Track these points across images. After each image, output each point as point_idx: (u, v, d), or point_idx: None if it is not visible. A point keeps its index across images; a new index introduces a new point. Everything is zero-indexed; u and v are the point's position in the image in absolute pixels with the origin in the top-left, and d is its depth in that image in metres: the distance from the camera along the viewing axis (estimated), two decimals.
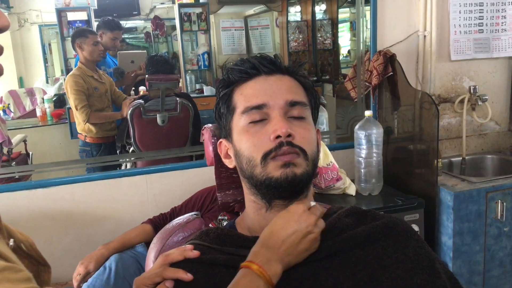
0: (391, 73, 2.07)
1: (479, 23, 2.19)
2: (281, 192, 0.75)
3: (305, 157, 0.76)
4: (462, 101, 2.21)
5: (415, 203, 1.88)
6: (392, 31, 2.16)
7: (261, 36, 4.10)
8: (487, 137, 2.35)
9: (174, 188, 2.04)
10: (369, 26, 2.16)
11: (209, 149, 0.93)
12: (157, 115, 2.67)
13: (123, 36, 3.17)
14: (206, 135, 0.96)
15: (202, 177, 1.99)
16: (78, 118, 2.53)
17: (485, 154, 2.31)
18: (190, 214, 0.98)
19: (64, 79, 2.68)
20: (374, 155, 1.96)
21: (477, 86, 2.18)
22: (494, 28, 2.21)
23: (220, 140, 0.86)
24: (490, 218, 1.88)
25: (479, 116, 2.24)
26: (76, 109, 2.50)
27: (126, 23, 3.82)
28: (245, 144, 0.77)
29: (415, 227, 1.88)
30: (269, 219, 0.79)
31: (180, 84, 3.61)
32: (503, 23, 2.21)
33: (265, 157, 0.75)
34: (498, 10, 2.19)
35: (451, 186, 1.91)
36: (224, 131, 0.85)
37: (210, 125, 0.99)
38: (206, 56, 3.84)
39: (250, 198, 0.82)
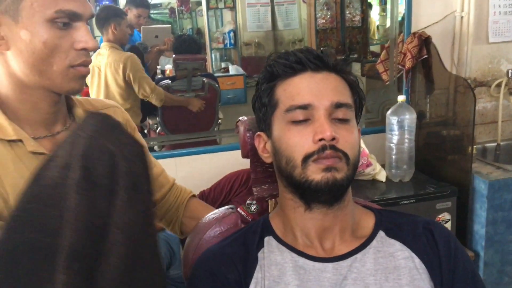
0: (426, 56, 2.00)
1: None
2: (320, 195, 0.74)
3: (347, 161, 0.74)
4: (499, 85, 2.13)
5: (447, 191, 1.84)
6: (427, 11, 2.08)
7: (287, 12, 4.01)
8: None
9: (203, 172, 2.05)
10: (403, 5, 2.09)
11: (245, 143, 0.92)
12: (184, 95, 2.67)
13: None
14: (241, 128, 0.95)
15: (230, 161, 1.99)
16: (154, 99, 2.44)
17: None
18: (226, 208, 0.98)
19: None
20: (406, 141, 1.92)
21: None
22: None
23: (258, 133, 0.84)
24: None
25: None
26: (152, 90, 2.42)
27: (152, 0, 3.79)
28: (286, 143, 0.75)
29: (447, 216, 1.85)
30: (308, 218, 0.78)
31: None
32: None
33: (307, 159, 0.73)
34: None
35: (486, 174, 1.86)
36: (263, 124, 0.82)
37: (245, 117, 0.97)
38: (232, 34, 3.79)
39: (286, 196, 0.81)
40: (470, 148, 1.90)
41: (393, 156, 1.94)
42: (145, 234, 0.63)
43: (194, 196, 1.16)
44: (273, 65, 0.79)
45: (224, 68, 3.83)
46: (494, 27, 2.09)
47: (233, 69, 3.71)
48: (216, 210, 0.99)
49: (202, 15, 3.74)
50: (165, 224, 1.11)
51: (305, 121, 0.74)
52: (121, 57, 2.38)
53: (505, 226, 1.84)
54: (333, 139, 0.72)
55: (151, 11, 3.67)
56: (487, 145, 2.20)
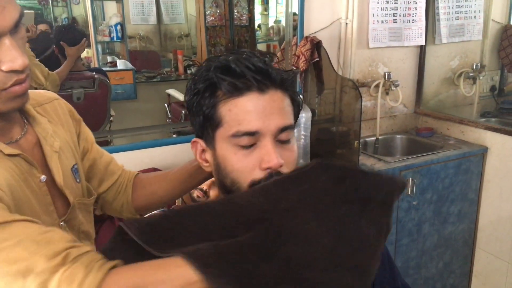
0: (317, 59, 2.17)
1: (393, 13, 2.37)
2: None
3: None
4: (377, 86, 2.39)
5: None
6: (317, 17, 2.25)
7: (173, 7, 3.96)
8: (396, 119, 2.59)
9: None
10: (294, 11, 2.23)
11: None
12: (72, 91, 2.51)
13: None
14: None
15: (126, 163, 1.93)
16: (50, 86, 2.24)
17: (395, 134, 2.55)
18: (158, 211, 0.98)
19: None
20: (302, 137, 2.07)
21: (390, 72, 2.37)
22: (406, 19, 2.40)
23: (196, 139, 0.81)
24: (402, 193, 2.10)
25: (391, 100, 2.45)
26: (46, 77, 2.24)
27: None
28: (232, 166, 0.74)
29: None
30: None
31: (88, 54, 3.40)
32: (414, 14, 2.41)
33: (253, 185, 0.72)
34: (410, 2, 2.38)
35: (370, 165, 2.09)
36: (200, 132, 0.79)
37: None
38: (119, 27, 3.63)
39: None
40: (356, 143, 2.12)
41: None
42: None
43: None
44: (216, 81, 0.73)
45: (110, 62, 3.65)
46: (373, 34, 2.35)
47: (121, 64, 3.55)
48: (150, 214, 0.99)
49: (78, 3, 3.51)
50: (117, 207, 1.07)
51: (251, 145, 0.73)
52: None
53: None
54: (280, 165, 0.72)
55: None
56: (367, 139, 2.47)
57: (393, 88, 2.37)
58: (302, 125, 2.05)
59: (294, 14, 2.24)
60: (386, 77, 2.37)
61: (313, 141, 2.26)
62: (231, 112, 0.73)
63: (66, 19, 3.84)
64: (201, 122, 0.78)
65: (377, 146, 2.45)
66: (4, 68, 0.70)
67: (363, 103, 2.44)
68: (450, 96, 2.68)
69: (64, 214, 0.88)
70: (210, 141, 0.78)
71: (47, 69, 2.28)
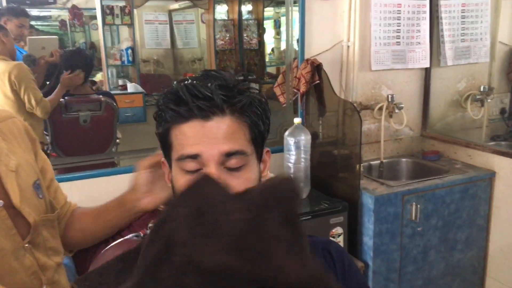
0: (318, 81, 2.15)
1: (396, 35, 2.35)
2: None
3: None
4: (380, 109, 2.36)
5: (339, 206, 1.99)
6: (318, 40, 2.25)
7: (186, 31, 4.04)
8: (401, 142, 2.54)
9: (100, 196, 1.94)
10: (296, 35, 2.23)
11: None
12: (79, 114, 2.55)
13: (32, 23, 2.95)
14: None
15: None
16: (40, 111, 2.28)
17: (400, 158, 2.50)
18: (131, 235, 0.96)
19: None
20: (302, 160, 2.04)
21: (394, 95, 2.34)
22: (409, 41, 2.38)
23: (163, 160, 0.82)
24: (406, 219, 2.04)
25: (395, 122, 2.41)
26: (38, 102, 2.26)
27: (41, 12, 3.57)
28: (178, 190, 0.75)
29: (340, 229, 1.99)
30: None
31: (101, 78, 3.46)
32: (417, 36, 2.39)
33: None
34: (413, 25, 2.37)
35: (372, 189, 2.04)
36: (164, 153, 0.81)
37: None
38: (130, 51, 3.71)
39: None
40: (358, 166, 2.08)
41: (291, 175, 2.04)
42: None
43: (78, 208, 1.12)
44: (162, 108, 0.75)
45: (121, 86, 3.71)
46: (376, 56, 2.33)
47: (131, 87, 3.61)
48: (121, 239, 0.97)
49: (96, 29, 3.61)
50: None
51: (197, 170, 0.73)
52: (8, 66, 2.23)
53: (389, 237, 2.03)
54: None
55: (39, 23, 3.45)
56: (372, 162, 2.42)
57: (397, 110, 2.33)
58: (302, 148, 2.03)
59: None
60: (390, 100, 2.33)
61: (315, 164, 2.23)
62: (177, 137, 0.74)
63: (84, 44, 3.95)
64: (162, 145, 0.79)
65: (382, 169, 2.40)
66: None
67: (367, 126, 2.42)
68: (457, 119, 2.62)
69: (27, 234, 0.87)
70: (169, 163, 0.80)
71: (41, 95, 2.33)
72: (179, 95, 0.73)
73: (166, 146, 0.77)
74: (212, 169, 0.71)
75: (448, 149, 2.46)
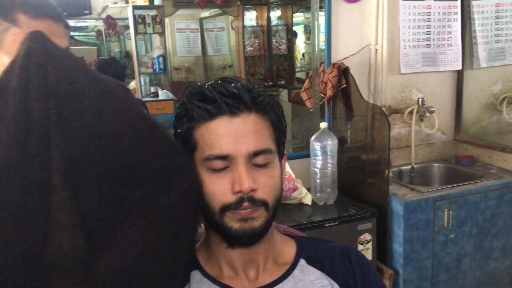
0: (345, 85, 2.13)
1: (426, 38, 2.30)
2: (239, 241, 0.75)
3: (266, 208, 0.74)
4: (411, 112, 2.30)
5: (368, 212, 1.95)
6: (345, 44, 2.22)
7: (217, 39, 4.09)
8: (434, 146, 2.47)
9: None
10: (323, 38, 2.22)
11: None
12: None
13: (71, 34, 3.05)
14: None
15: None
16: None
17: (432, 163, 2.43)
18: None
19: None
20: (329, 165, 2.02)
21: (425, 98, 2.28)
22: (440, 43, 2.32)
23: None
24: (438, 226, 1.98)
25: (427, 126, 2.35)
26: None
27: (76, 23, 3.70)
28: (205, 189, 0.74)
29: (368, 236, 1.95)
30: (232, 253, 0.79)
31: (134, 86, 3.55)
32: (448, 38, 2.33)
33: (224, 209, 0.72)
34: (444, 26, 2.31)
35: (402, 195, 1.99)
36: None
37: None
38: (161, 59, 3.78)
39: (210, 232, 0.81)
40: (386, 172, 2.03)
41: (318, 180, 2.02)
42: None
43: None
44: (189, 107, 0.75)
45: (153, 93, 3.79)
46: (405, 59, 2.28)
47: (162, 94, 3.68)
48: None
49: (130, 38, 3.71)
50: None
51: (224, 168, 0.73)
52: None
53: (420, 244, 1.97)
54: (252, 189, 0.71)
55: (77, 33, 3.57)
56: (402, 168, 2.37)
57: (428, 114, 2.27)
58: (328, 153, 2.00)
59: None
60: (420, 103, 2.28)
61: (343, 169, 2.21)
62: (203, 136, 0.73)
63: (119, 53, 4.07)
64: (182, 146, 0.79)
65: (413, 175, 2.34)
66: None
67: (397, 130, 2.37)
68: (492, 123, 2.53)
69: None
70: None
71: None
72: (205, 94, 0.74)
73: (189, 147, 0.76)
74: (240, 168, 0.71)
75: (483, 153, 2.37)
